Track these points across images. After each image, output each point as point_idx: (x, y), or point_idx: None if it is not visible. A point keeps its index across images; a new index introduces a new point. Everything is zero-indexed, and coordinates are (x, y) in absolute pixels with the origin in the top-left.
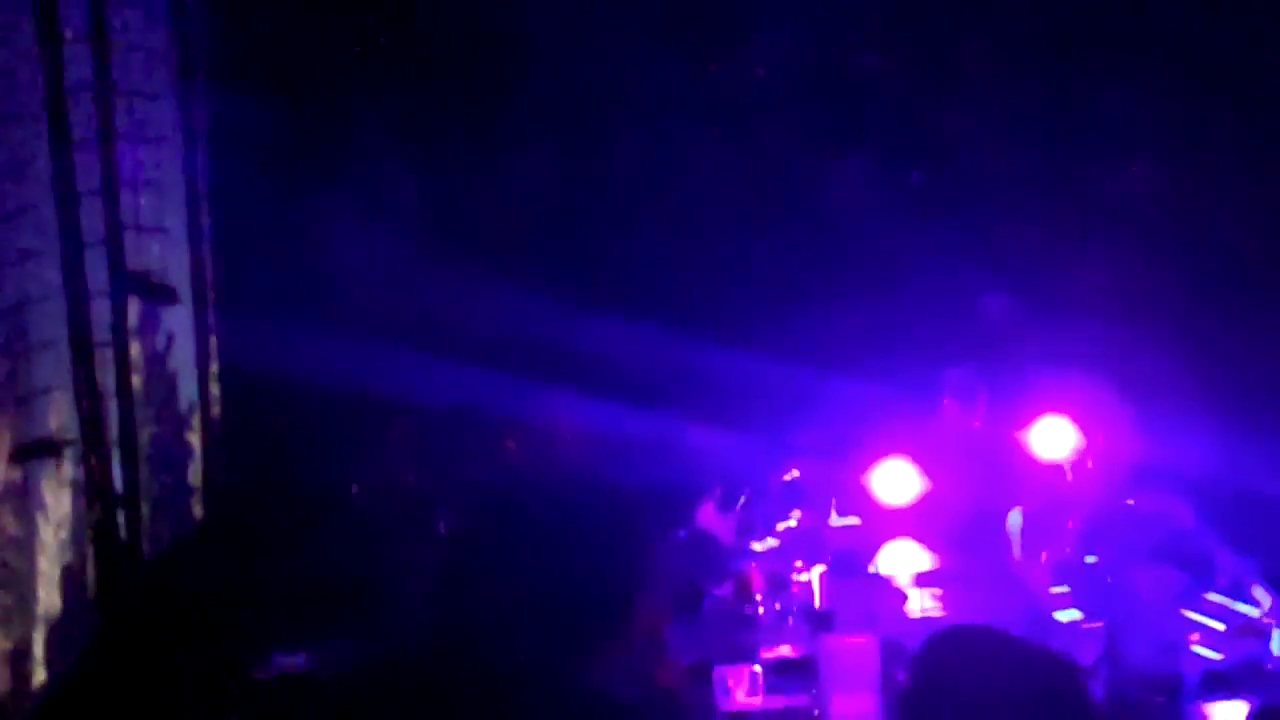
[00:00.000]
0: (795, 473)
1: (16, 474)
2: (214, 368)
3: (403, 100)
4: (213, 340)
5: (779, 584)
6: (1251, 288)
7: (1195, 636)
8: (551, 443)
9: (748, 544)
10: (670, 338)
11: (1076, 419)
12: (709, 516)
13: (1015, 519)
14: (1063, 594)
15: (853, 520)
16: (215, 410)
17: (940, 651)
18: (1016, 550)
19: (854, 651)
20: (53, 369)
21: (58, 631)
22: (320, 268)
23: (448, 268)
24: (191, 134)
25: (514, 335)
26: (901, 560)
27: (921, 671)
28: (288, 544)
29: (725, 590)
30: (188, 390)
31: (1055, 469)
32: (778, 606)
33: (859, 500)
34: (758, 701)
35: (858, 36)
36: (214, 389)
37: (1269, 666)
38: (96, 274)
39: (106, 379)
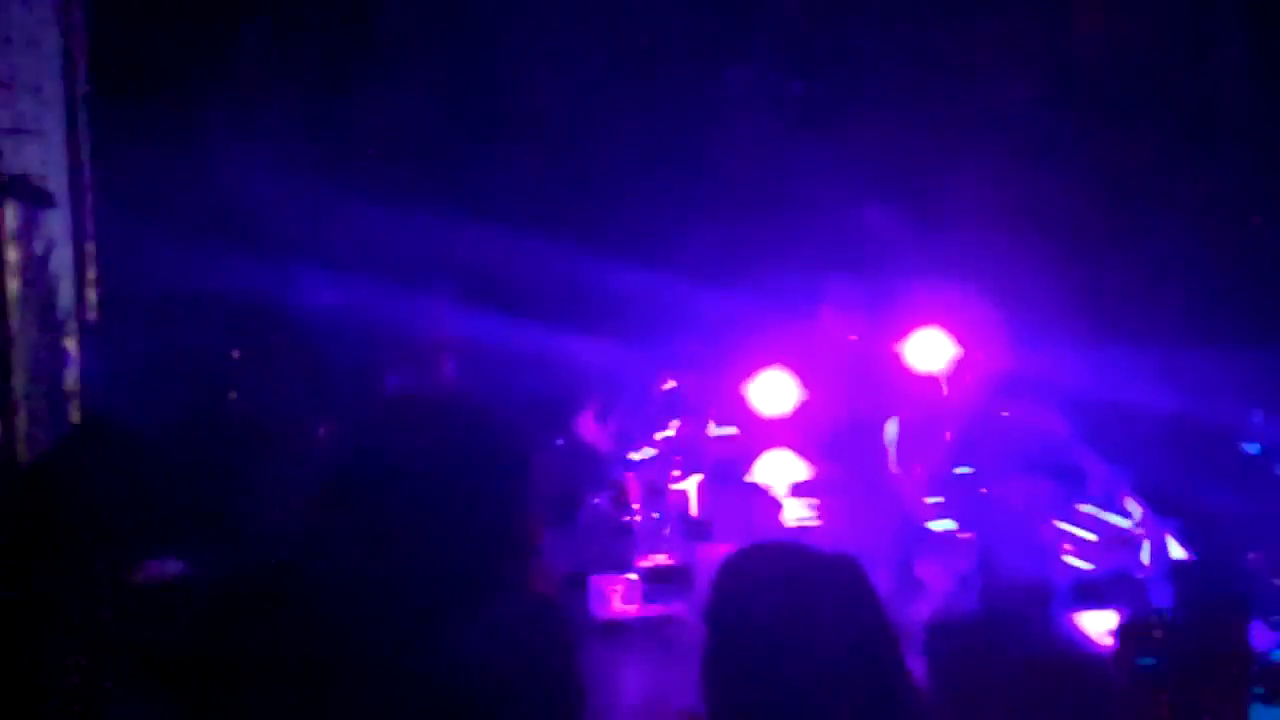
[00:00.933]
0: (673, 383)
1: None
2: (91, 273)
3: (286, 13)
4: (90, 246)
5: (656, 493)
6: (1128, 200)
7: (1067, 547)
8: (433, 353)
9: (625, 453)
10: (549, 249)
11: (952, 331)
12: (587, 426)
13: (891, 429)
14: (937, 504)
15: (730, 430)
16: (92, 316)
17: (734, 572)
18: (892, 461)
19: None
20: None
21: None
22: (200, 177)
23: (330, 181)
24: (70, 37)
25: (394, 248)
26: (778, 470)
27: (718, 594)
28: (164, 451)
29: (602, 499)
30: (65, 296)
31: (931, 380)
32: (655, 515)
33: (736, 410)
34: (634, 610)
35: None
36: (91, 295)
37: (1138, 576)
38: None
39: None
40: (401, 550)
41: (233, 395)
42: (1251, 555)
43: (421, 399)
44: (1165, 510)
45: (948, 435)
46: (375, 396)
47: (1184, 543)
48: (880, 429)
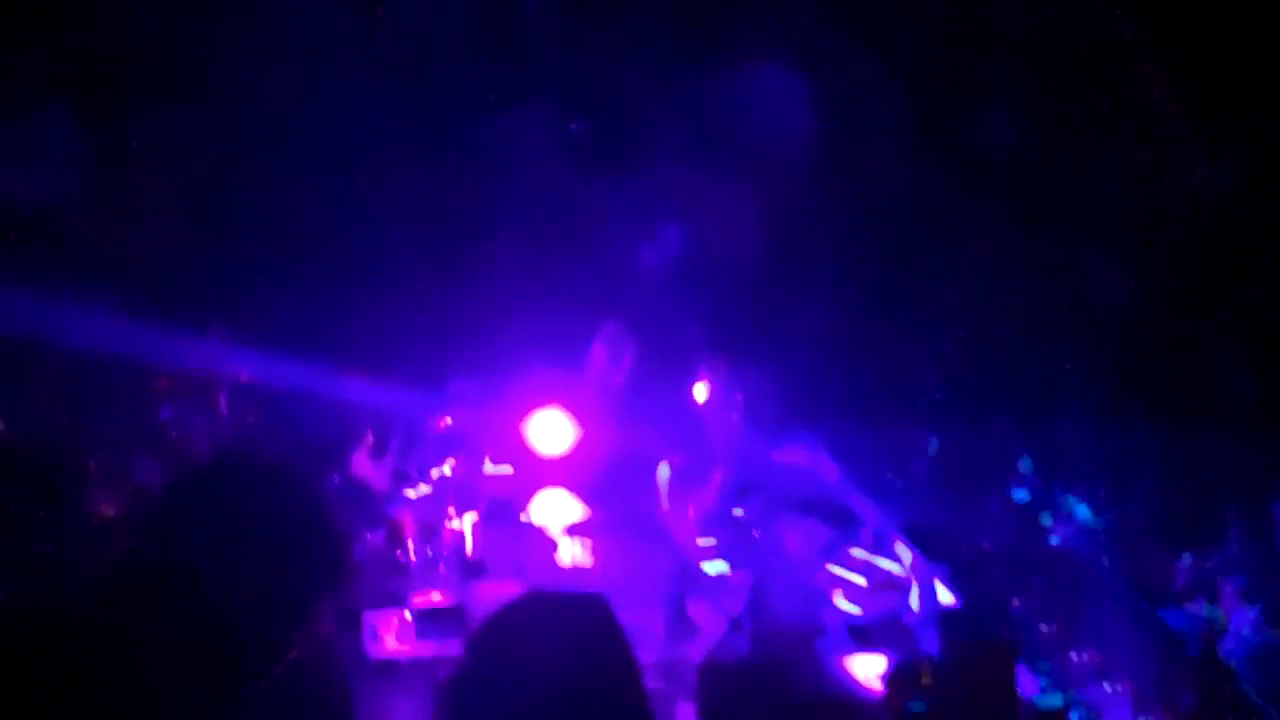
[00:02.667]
0: (449, 420)
1: None
2: None
3: (64, 44)
4: None
5: (431, 531)
6: (900, 250)
7: (838, 590)
8: (207, 388)
9: (400, 491)
10: (326, 285)
11: (724, 374)
12: (362, 463)
13: (663, 471)
14: (710, 546)
15: (505, 469)
16: None
17: (490, 622)
18: (664, 501)
19: (504, 598)
20: None
21: None
22: None
23: (100, 212)
24: None
25: (166, 282)
26: (553, 510)
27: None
28: None
29: (377, 537)
30: None
31: (704, 422)
32: (429, 553)
33: (512, 449)
34: (408, 648)
35: None
36: None
37: (908, 621)
38: None
39: None
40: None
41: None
42: (1017, 601)
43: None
44: (934, 555)
45: (719, 477)
46: (148, 431)
47: (952, 588)
48: (652, 470)
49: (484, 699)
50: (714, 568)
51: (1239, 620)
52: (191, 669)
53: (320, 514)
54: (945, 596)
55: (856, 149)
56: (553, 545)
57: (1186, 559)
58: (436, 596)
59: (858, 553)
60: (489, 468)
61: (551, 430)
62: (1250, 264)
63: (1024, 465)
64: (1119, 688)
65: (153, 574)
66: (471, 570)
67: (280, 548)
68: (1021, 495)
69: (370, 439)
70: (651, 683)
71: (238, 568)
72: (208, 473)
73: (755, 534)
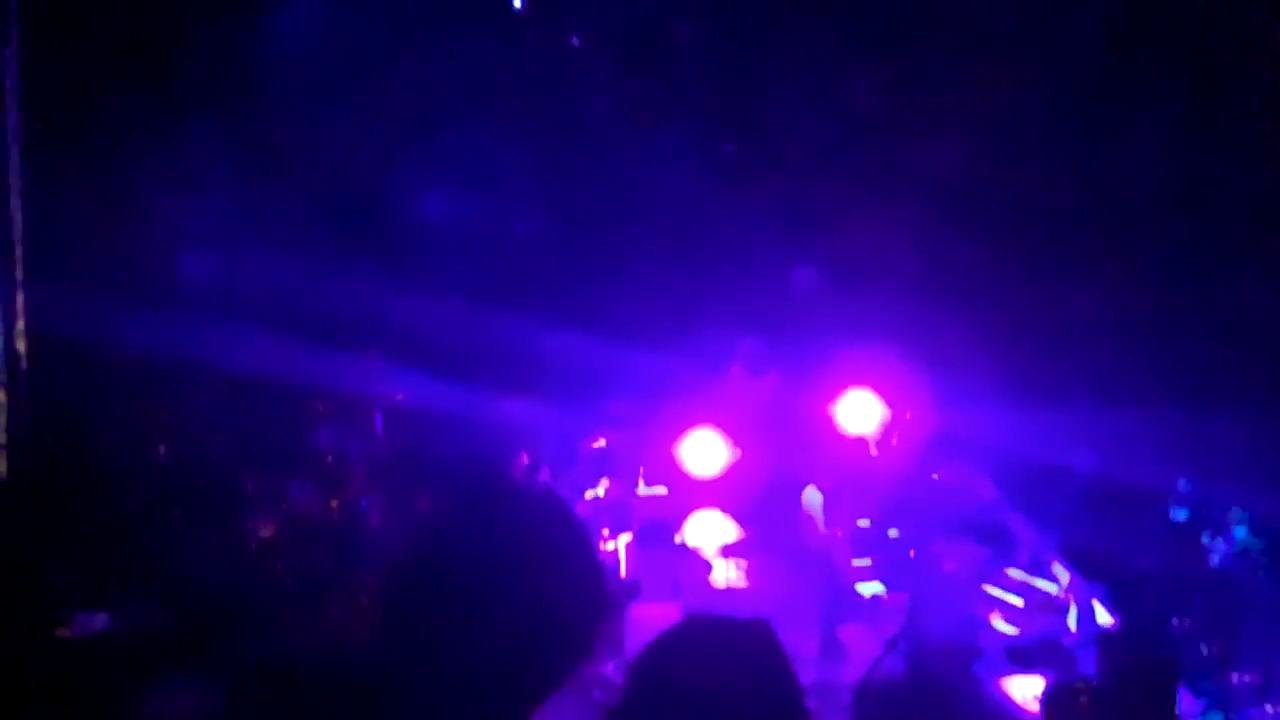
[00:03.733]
0: (603, 442)
1: None
2: (20, 324)
3: (223, 73)
4: (20, 297)
5: None
6: (1050, 266)
7: (995, 611)
8: (363, 410)
9: None
10: (481, 310)
11: (881, 393)
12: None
13: (812, 494)
14: (865, 567)
15: (659, 490)
16: (21, 366)
17: (657, 648)
18: (818, 523)
19: (659, 620)
20: None
21: None
22: (132, 234)
23: (255, 240)
24: (2, 88)
25: (325, 307)
26: (707, 531)
27: (639, 668)
28: (91, 504)
29: None
30: None
31: (859, 442)
32: None
33: (666, 470)
34: None
35: (672, 5)
36: (20, 345)
37: (1065, 642)
38: None
39: None
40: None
41: (161, 449)
42: (1177, 621)
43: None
44: (1092, 575)
45: (875, 498)
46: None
47: (1111, 608)
48: (800, 491)
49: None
50: (869, 589)
51: None
52: (476, 699)
53: (586, 538)
54: (1103, 617)
55: (1012, 155)
56: (707, 566)
57: None
58: None
59: (1015, 573)
60: (643, 489)
61: (704, 451)
62: None
63: (1182, 484)
64: None
65: (434, 603)
66: (627, 591)
67: (557, 577)
68: (1180, 514)
69: (524, 459)
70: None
71: (516, 595)
72: (474, 499)
73: (911, 555)
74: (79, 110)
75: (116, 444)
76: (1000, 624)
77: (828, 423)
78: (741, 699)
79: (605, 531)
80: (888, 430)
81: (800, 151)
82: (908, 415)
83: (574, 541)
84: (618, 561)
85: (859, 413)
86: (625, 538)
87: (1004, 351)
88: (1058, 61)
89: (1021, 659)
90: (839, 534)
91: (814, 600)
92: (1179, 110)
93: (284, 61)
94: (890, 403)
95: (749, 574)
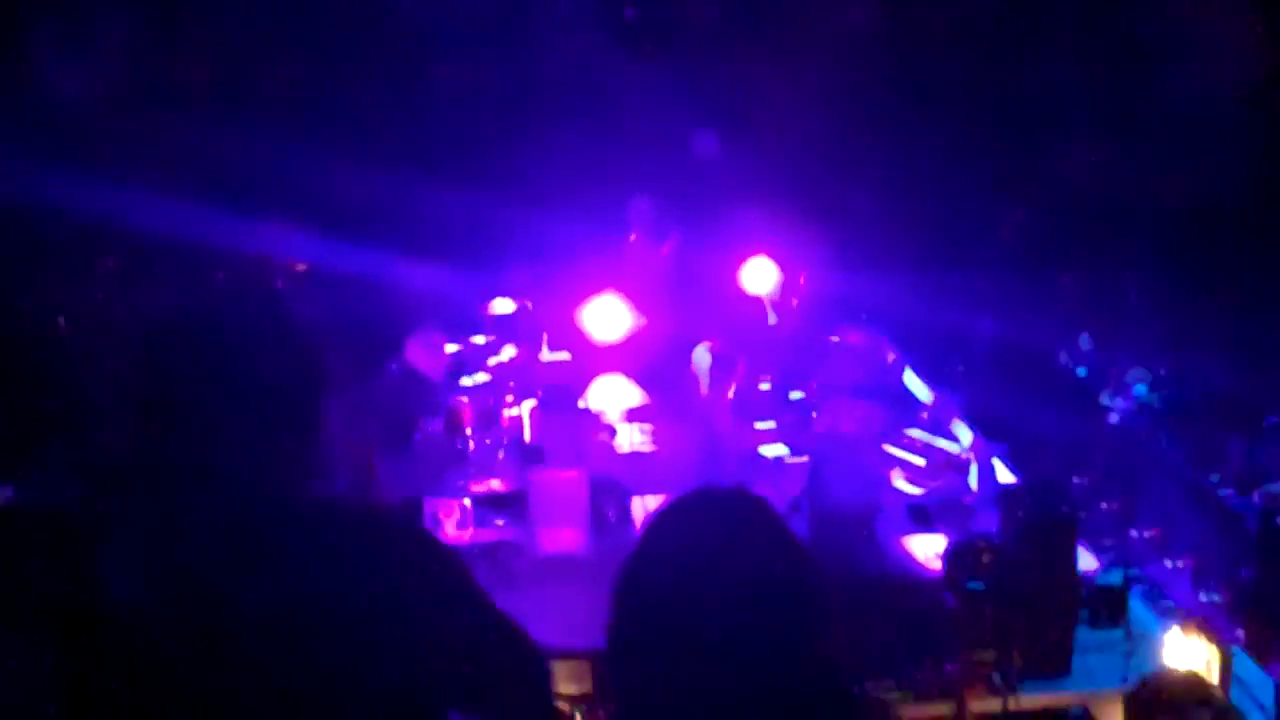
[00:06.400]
0: (507, 308)
1: None
2: None
3: None
4: None
5: (489, 418)
6: (956, 125)
7: (896, 471)
8: (263, 276)
9: (459, 378)
10: (384, 173)
11: (780, 255)
12: (419, 351)
13: (701, 354)
14: (768, 429)
15: (563, 355)
16: None
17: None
18: (704, 385)
19: (563, 485)
20: None
21: None
22: (28, 92)
23: (157, 97)
24: None
25: (225, 167)
26: (610, 396)
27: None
28: None
29: (436, 424)
30: None
31: (758, 304)
32: (488, 441)
33: (570, 335)
34: (467, 535)
35: None
36: None
37: (967, 500)
38: None
39: None
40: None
41: (61, 320)
42: (1077, 479)
43: (250, 321)
44: (993, 435)
45: (776, 360)
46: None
47: (1012, 467)
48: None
49: (663, 588)
50: (772, 451)
51: None
52: None
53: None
54: (1005, 476)
55: (919, 19)
56: (612, 431)
57: (1245, 436)
58: (496, 483)
59: (916, 434)
60: (546, 354)
61: (607, 317)
62: None
63: (1084, 342)
64: (1179, 564)
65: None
66: (530, 456)
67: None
68: (1081, 372)
69: (428, 327)
70: None
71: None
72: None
73: (813, 416)
74: None
75: (16, 312)
76: (902, 483)
77: (727, 285)
78: (757, 562)
79: (510, 398)
80: (787, 292)
81: (700, 12)
82: (806, 277)
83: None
84: (523, 426)
85: (758, 275)
86: (530, 403)
87: (906, 214)
88: None
89: (923, 517)
90: (728, 396)
91: (718, 462)
92: None
93: None
94: (789, 265)
95: (653, 438)
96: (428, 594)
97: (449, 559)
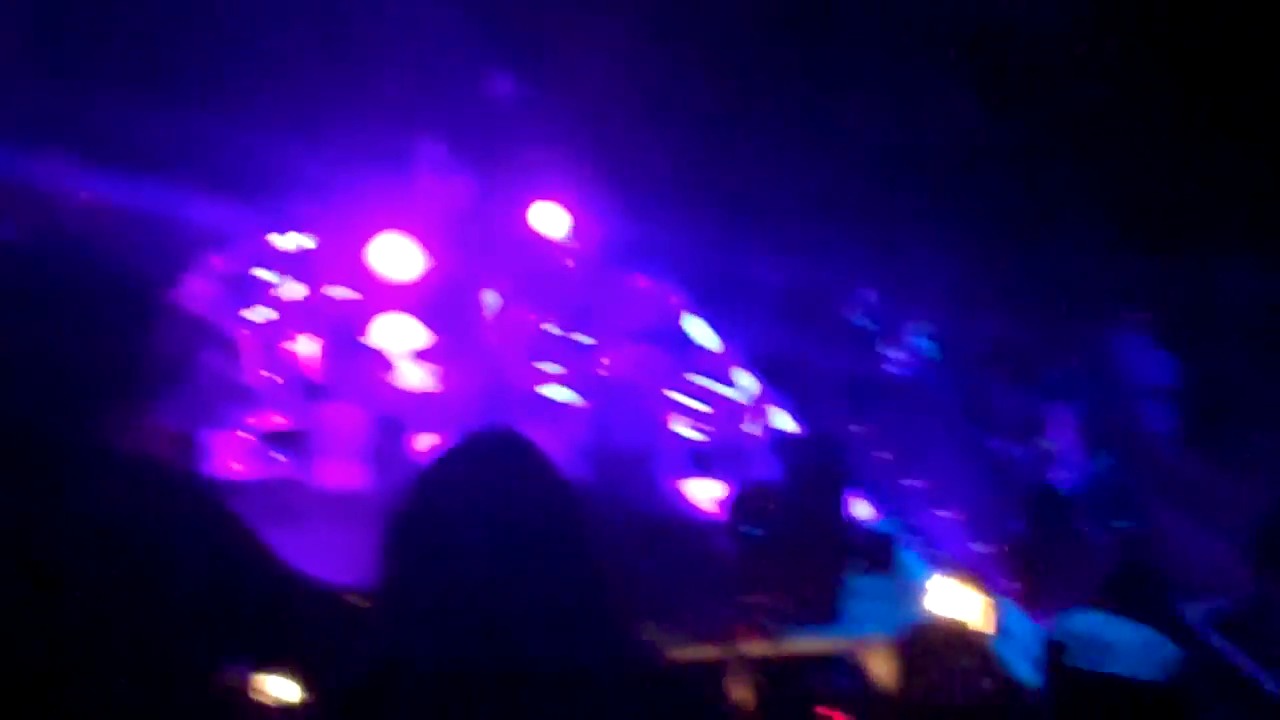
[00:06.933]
0: (292, 242)
1: None
2: None
3: None
4: None
5: (272, 353)
6: (748, 78)
7: (678, 416)
8: (44, 209)
9: (240, 311)
10: (165, 106)
11: (574, 200)
12: (202, 284)
13: (489, 297)
14: (553, 372)
15: (349, 292)
16: None
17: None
18: (490, 327)
19: (345, 421)
20: None
21: None
22: None
23: None
24: None
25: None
26: (396, 334)
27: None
28: None
29: (216, 359)
30: None
31: (548, 248)
32: (270, 376)
33: (357, 272)
34: (247, 469)
35: None
36: None
37: (747, 447)
38: None
39: None
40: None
41: None
42: (855, 429)
43: (37, 253)
44: (776, 382)
45: (563, 303)
46: None
47: (794, 415)
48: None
49: (434, 533)
50: (556, 393)
51: (1072, 450)
52: None
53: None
54: (786, 424)
55: None
56: (395, 369)
57: (1021, 390)
58: (276, 418)
59: (698, 380)
60: (331, 290)
61: (396, 255)
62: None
63: (866, 296)
64: (951, 515)
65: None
66: (312, 393)
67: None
68: (864, 323)
69: (210, 258)
70: None
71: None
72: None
73: (597, 359)
74: None
75: None
76: (683, 429)
77: (517, 227)
78: (527, 504)
79: (294, 333)
80: (577, 236)
81: None
82: (597, 222)
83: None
84: (306, 362)
85: (549, 218)
86: (314, 339)
87: (704, 164)
88: None
89: (704, 463)
90: (516, 338)
91: (490, 405)
92: None
93: None
94: (581, 210)
95: (437, 377)
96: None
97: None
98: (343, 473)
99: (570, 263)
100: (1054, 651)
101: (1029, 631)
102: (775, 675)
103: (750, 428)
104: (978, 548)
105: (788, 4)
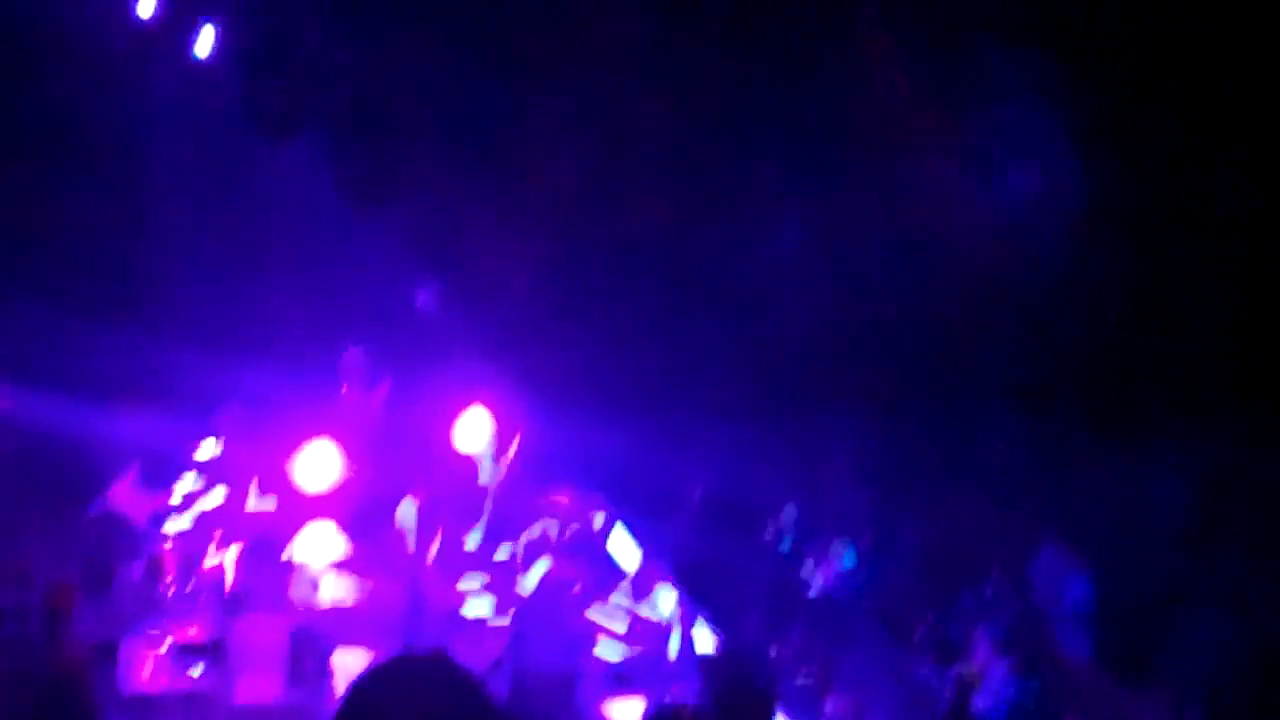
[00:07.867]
0: (215, 451)
1: None
2: None
3: None
4: None
5: (191, 564)
6: (674, 289)
7: (598, 635)
8: None
9: (162, 523)
10: (94, 317)
11: (493, 409)
12: (124, 494)
13: (407, 509)
14: (473, 588)
15: (270, 503)
16: None
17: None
18: (411, 541)
19: (263, 634)
20: None
21: None
22: None
23: None
24: None
25: None
26: (316, 546)
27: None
28: None
29: (136, 570)
30: None
31: (469, 460)
32: (189, 588)
33: (278, 482)
34: (164, 682)
35: (304, 18)
36: None
37: (667, 667)
38: None
39: None
40: None
41: None
42: (776, 648)
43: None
44: (698, 599)
45: (483, 517)
46: None
47: (714, 633)
48: (411, 508)
49: None
50: (475, 609)
51: (993, 674)
52: None
53: None
54: (706, 643)
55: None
56: (314, 582)
57: (943, 612)
58: (194, 631)
59: (618, 598)
60: (253, 501)
61: (316, 465)
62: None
63: (789, 511)
64: None
65: None
66: (231, 604)
67: None
68: (784, 544)
69: (134, 470)
70: None
71: None
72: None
73: (517, 576)
74: None
75: None
76: (603, 648)
77: (437, 438)
78: None
79: (213, 544)
80: (499, 447)
81: (429, 169)
82: (521, 433)
83: None
84: (225, 573)
85: (471, 429)
86: (234, 550)
87: (620, 370)
88: (669, 69)
89: (623, 683)
90: (433, 552)
91: (414, 621)
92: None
93: None
94: (504, 419)
95: (356, 590)
96: None
97: None
98: (259, 686)
99: (493, 475)
100: None
101: None
102: None
103: (670, 647)
104: None
105: (697, 213)
